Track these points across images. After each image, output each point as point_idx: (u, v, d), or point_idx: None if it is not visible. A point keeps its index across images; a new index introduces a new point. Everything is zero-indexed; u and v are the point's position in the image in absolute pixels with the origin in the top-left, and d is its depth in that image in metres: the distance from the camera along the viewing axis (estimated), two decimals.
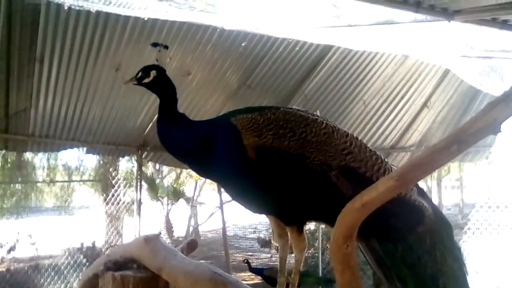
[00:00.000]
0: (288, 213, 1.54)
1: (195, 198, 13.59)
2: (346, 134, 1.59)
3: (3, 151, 10.23)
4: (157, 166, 15.27)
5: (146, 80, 1.91)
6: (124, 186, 11.18)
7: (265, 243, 12.80)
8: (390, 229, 1.58)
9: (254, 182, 1.49)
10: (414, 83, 8.34)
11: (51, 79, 6.99)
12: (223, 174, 1.54)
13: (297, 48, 7.08)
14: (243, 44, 6.70)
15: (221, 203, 8.97)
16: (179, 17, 5.69)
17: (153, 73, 1.89)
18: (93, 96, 7.61)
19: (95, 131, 8.63)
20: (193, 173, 12.97)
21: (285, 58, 7.31)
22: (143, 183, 10.02)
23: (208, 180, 13.06)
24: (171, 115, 1.75)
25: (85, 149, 9.35)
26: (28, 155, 12.10)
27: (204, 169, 1.63)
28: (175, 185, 13.87)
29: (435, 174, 16.51)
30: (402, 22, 5.05)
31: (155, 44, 2.18)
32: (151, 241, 2.03)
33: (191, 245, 2.45)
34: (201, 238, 15.84)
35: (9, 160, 11.71)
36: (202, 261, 9.61)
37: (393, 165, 1.74)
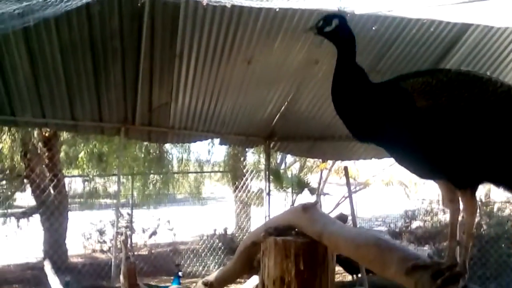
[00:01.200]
0: (461, 175, 1.52)
1: (320, 188, 13.62)
2: None
3: (146, 143, 11.18)
4: (279, 157, 15.59)
5: (327, 29, 1.85)
6: (252, 177, 11.61)
7: (396, 235, 12.44)
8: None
9: (427, 144, 1.49)
10: None
11: (189, 74, 7.49)
12: (394, 137, 1.56)
13: (432, 29, 6.75)
14: (374, 28, 6.56)
15: (350, 193, 8.88)
16: (309, 5, 5.76)
17: (335, 21, 1.81)
18: (226, 89, 8.02)
19: (228, 123, 9.10)
20: (319, 162, 13.05)
21: (418, 40, 7.01)
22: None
23: (333, 170, 13.02)
24: (351, 68, 1.71)
25: (218, 140, 9.94)
26: (167, 147, 13.13)
27: (370, 131, 1.64)
28: (299, 176, 14.03)
29: None
30: None
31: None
32: (309, 209, 2.12)
33: (340, 219, 2.50)
34: None
35: (151, 151, 12.80)
36: None
37: None
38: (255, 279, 3.61)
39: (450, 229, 1.64)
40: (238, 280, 5.38)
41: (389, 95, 1.57)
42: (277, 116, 9.43)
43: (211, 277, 2.97)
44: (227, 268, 2.89)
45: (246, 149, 13.35)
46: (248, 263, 2.64)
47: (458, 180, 1.53)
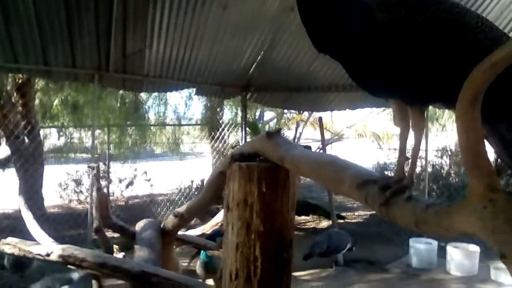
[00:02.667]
0: (413, 92, 1.59)
1: (296, 140, 13.81)
2: (477, 15, 1.59)
3: (121, 91, 11.06)
4: (258, 114, 15.64)
5: None
6: (229, 129, 11.67)
7: None
8: None
9: (382, 58, 1.55)
10: None
11: (164, 20, 7.37)
12: (351, 49, 1.61)
13: None
14: None
15: (324, 143, 9.06)
16: None
17: None
18: (201, 36, 7.93)
19: (203, 72, 9.05)
20: (295, 115, 13.18)
21: None
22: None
23: (309, 122, 13.17)
24: None
25: (194, 89, 9.92)
26: (143, 97, 13.02)
27: (329, 41, 1.68)
28: (276, 127, 14.17)
29: None
30: None
31: None
32: (273, 136, 2.19)
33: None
34: (301, 181, 16.16)
35: (127, 100, 12.68)
36: None
37: None
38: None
39: (400, 146, 1.73)
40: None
41: (350, 8, 1.60)
42: (254, 66, 9.42)
43: (182, 208, 3.08)
44: (197, 199, 2.98)
45: (224, 103, 13.37)
46: (217, 193, 2.74)
47: (410, 97, 1.61)
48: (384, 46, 1.53)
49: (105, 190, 8.97)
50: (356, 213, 11.76)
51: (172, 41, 7.86)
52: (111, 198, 11.09)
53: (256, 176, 2.15)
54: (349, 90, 9.09)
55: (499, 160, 1.89)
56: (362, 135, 11.74)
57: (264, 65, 9.29)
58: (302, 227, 10.36)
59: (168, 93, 16.75)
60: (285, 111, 13.46)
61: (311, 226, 10.47)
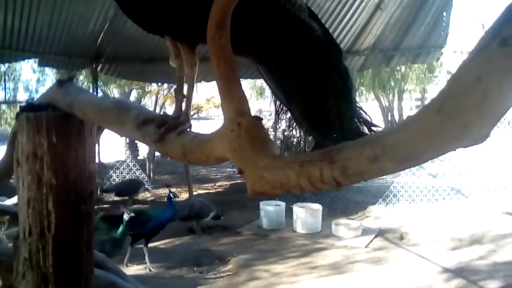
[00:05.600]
0: (179, 29, 1.60)
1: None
2: None
3: None
4: (126, 90, 15.05)
5: None
6: None
7: None
8: (276, 44, 1.66)
9: None
10: None
11: None
12: None
13: None
14: None
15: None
16: None
17: None
18: (38, 0, 7.30)
19: (46, 41, 8.39)
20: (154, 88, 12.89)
21: None
22: None
23: (169, 94, 12.96)
24: None
25: (37, 60, 9.17)
26: None
27: None
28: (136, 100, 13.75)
29: (396, 89, 16.84)
30: None
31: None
32: (64, 83, 2.07)
33: None
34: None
35: None
36: (166, 175, 9.67)
37: None
38: None
39: (177, 84, 1.74)
40: None
41: None
42: (102, 34, 8.96)
43: None
44: (2, 161, 2.76)
45: (79, 78, 12.60)
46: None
47: (176, 34, 1.62)
48: None
49: None
50: (218, 184, 12.00)
51: (4, 6, 7.11)
52: None
53: (45, 126, 2.01)
54: (205, 61, 9.08)
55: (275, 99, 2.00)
56: (219, 106, 11.88)
57: (114, 34, 8.88)
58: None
59: (18, 67, 15.37)
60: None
61: None
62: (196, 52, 1.66)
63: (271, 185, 1.14)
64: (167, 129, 1.60)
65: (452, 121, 0.66)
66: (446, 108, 0.66)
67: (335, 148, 0.94)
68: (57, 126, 2.03)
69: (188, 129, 1.65)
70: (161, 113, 12.81)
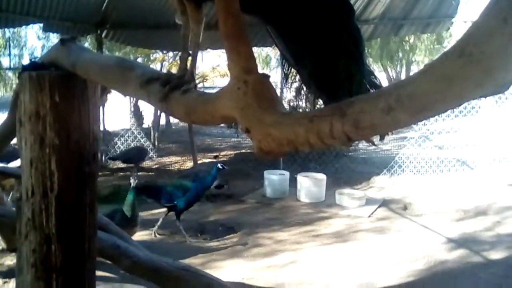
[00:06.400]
0: None
1: None
2: None
3: None
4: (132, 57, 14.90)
5: None
6: None
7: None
8: (287, 3, 1.61)
9: None
10: None
11: None
12: None
13: None
14: None
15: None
16: None
17: None
18: None
19: (50, 5, 8.27)
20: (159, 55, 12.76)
21: None
22: None
23: (174, 62, 12.87)
24: None
25: (41, 25, 9.05)
26: None
27: None
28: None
29: (404, 61, 16.61)
30: None
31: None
32: (67, 42, 2.03)
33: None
34: (171, 123, 15.98)
35: None
36: (171, 144, 9.69)
37: None
38: None
39: (183, 41, 1.69)
40: None
41: None
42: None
43: None
44: (4, 123, 2.74)
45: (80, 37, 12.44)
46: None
47: None
48: None
49: None
50: (223, 153, 12.00)
51: None
52: None
53: (48, 85, 1.98)
54: (211, 29, 8.96)
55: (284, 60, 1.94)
56: (225, 75, 11.77)
57: None
58: (167, 168, 10.36)
59: (23, 34, 15.25)
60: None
61: (175, 167, 10.50)
62: (202, 9, 1.61)
63: (278, 142, 1.11)
64: (172, 88, 1.56)
65: (475, 66, 0.61)
66: (468, 52, 0.62)
67: (346, 102, 0.90)
68: (60, 85, 2.00)
69: (193, 88, 1.62)
70: None
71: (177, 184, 6.09)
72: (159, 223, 5.92)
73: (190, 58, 1.68)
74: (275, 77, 9.43)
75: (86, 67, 1.88)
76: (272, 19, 1.69)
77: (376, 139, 1.72)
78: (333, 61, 1.67)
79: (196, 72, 12.07)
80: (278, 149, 1.13)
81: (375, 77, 1.82)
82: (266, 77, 1.28)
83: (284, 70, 1.89)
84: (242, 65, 1.31)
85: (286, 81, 1.91)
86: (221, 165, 6.29)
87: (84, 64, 1.89)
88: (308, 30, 1.65)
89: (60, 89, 1.98)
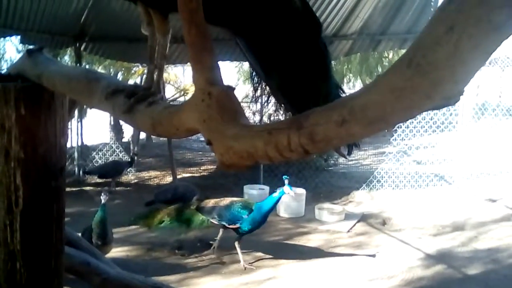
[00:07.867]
0: None
1: None
2: None
3: None
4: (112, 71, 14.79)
5: None
6: None
7: None
8: (251, 14, 1.59)
9: None
10: None
11: None
12: None
13: None
14: None
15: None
16: None
17: None
18: None
19: (28, 17, 8.18)
20: (139, 69, 12.70)
21: None
22: None
23: None
24: None
25: (19, 38, 8.95)
26: None
27: None
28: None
29: None
30: None
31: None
32: (33, 53, 1.99)
33: None
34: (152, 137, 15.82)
35: None
36: (151, 158, 9.60)
37: None
38: None
39: (149, 53, 1.67)
40: None
41: None
42: (86, 11, 8.75)
43: None
44: None
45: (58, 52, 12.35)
46: None
47: (148, 1, 1.55)
48: None
49: None
50: (203, 168, 11.93)
51: None
52: None
53: (14, 97, 1.93)
54: (180, 42, 8.94)
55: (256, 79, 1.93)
56: None
57: (98, 12, 8.69)
58: (146, 183, 10.24)
59: (2, 46, 15.05)
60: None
61: (155, 182, 10.38)
62: (168, 20, 1.59)
63: (239, 155, 1.08)
64: (137, 100, 1.53)
65: (422, 78, 0.60)
66: (416, 63, 0.60)
67: (303, 114, 0.89)
68: (26, 98, 1.95)
69: (159, 100, 1.59)
70: None
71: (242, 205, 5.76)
72: (239, 251, 5.63)
73: (156, 69, 1.65)
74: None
75: (53, 79, 1.84)
76: (239, 32, 1.68)
77: (345, 152, 1.72)
78: (300, 74, 1.66)
79: (177, 85, 12.02)
80: (239, 162, 1.11)
81: (343, 90, 1.82)
82: (230, 89, 1.26)
83: (254, 82, 1.87)
84: (206, 76, 1.29)
85: (255, 94, 1.89)
86: (288, 184, 5.82)
87: (50, 75, 1.85)
88: (275, 44, 1.64)
89: (26, 102, 1.94)
